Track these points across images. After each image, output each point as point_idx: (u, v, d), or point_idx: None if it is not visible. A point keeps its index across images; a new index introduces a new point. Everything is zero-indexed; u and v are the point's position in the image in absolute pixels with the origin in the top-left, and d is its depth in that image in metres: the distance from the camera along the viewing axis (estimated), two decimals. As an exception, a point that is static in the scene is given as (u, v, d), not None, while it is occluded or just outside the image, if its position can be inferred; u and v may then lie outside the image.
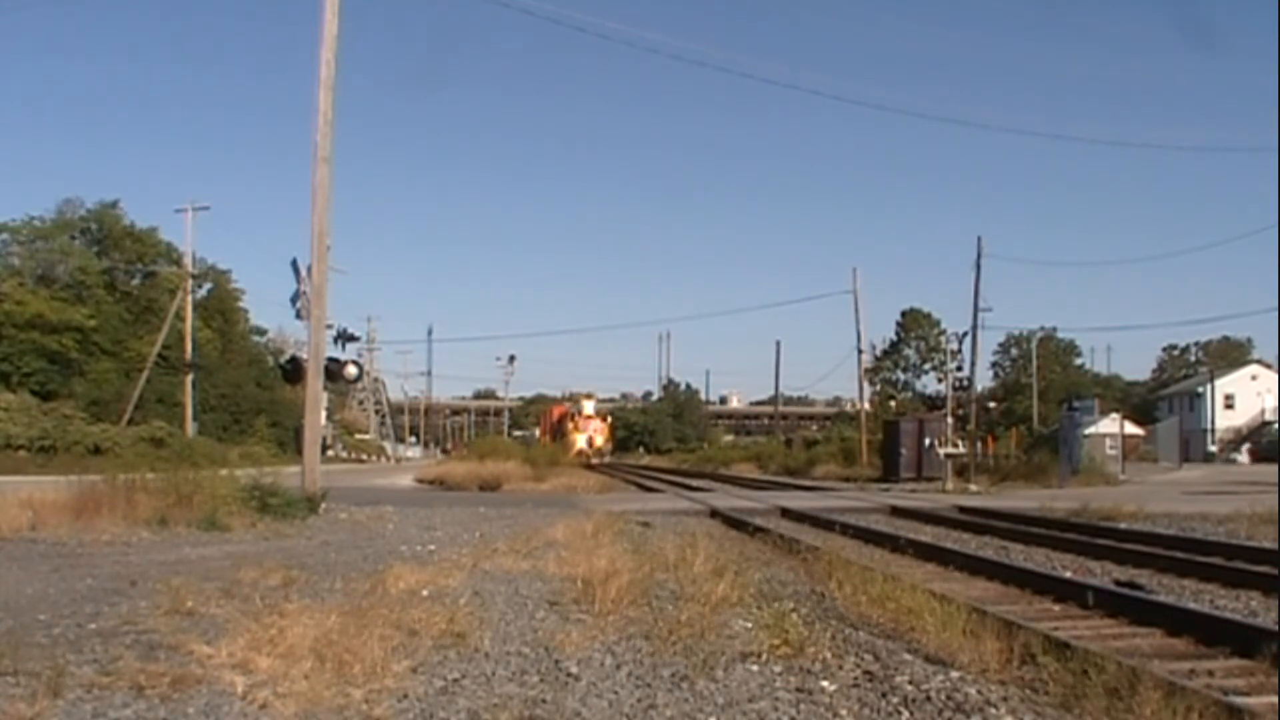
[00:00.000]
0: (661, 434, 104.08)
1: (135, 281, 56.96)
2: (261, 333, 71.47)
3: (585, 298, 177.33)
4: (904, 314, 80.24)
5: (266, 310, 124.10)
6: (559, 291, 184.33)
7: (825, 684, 5.43)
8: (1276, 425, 69.39)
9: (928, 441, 33.59)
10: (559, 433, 67.92)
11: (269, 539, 13.46)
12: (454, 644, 6.25)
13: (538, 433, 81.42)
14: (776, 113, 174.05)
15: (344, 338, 23.09)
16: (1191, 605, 8.17)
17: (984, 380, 69.90)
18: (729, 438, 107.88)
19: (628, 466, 58.76)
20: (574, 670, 5.71)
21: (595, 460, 57.29)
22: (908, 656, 6.07)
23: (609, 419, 70.87)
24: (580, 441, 62.53)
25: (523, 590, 8.54)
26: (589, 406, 67.63)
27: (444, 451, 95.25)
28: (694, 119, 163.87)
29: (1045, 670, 5.38)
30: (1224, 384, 75.51)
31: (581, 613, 7.36)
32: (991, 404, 69.93)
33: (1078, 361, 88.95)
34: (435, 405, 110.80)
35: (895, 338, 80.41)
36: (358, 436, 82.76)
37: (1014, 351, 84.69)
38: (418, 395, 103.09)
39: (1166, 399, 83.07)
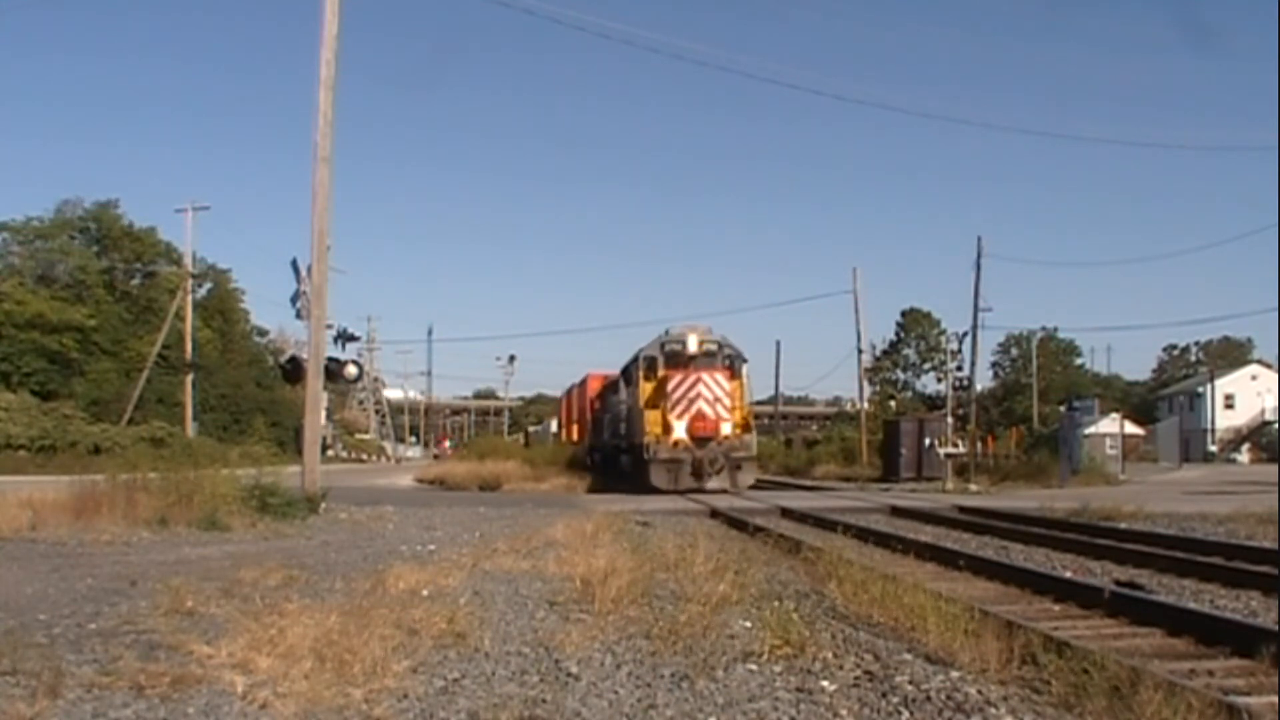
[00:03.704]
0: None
1: (135, 281, 57.03)
2: (262, 333, 71.61)
3: (585, 298, 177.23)
4: (904, 314, 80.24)
5: (266, 310, 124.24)
6: (559, 291, 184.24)
7: (825, 684, 5.43)
8: (1277, 425, 69.43)
9: (928, 441, 33.60)
10: (603, 418, 34.85)
11: (269, 539, 13.47)
12: (454, 644, 6.25)
13: (553, 426, 57.01)
14: (777, 113, 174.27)
15: (344, 338, 23.16)
16: (1191, 605, 8.17)
17: (984, 380, 70.04)
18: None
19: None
20: (574, 670, 5.71)
21: (717, 472, 25.04)
22: (908, 656, 6.07)
23: (743, 376, 27.85)
24: (678, 428, 25.28)
25: (523, 590, 8.54)
26: (693, 341, 26.83)
27: (436, 451, 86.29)
28: (694, 119, 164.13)
29: (1046, 670, 5.39)
30: (1224, 384, 75.61)
31: (581, 612, 7.35)
32: (993, 405, 70.06)
33: (1078, 361, 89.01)
34: (435, 405, 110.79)
35: (895, 338, 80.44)
36: (358, 436, 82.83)
37: (1014, 351, 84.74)
38: (418, 395, 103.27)
39: (1166, 399, 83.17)
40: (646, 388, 26.59)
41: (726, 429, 25.25)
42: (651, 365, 26.87)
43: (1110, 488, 27.91)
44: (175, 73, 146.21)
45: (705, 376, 25.40)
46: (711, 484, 24.54)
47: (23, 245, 53.85)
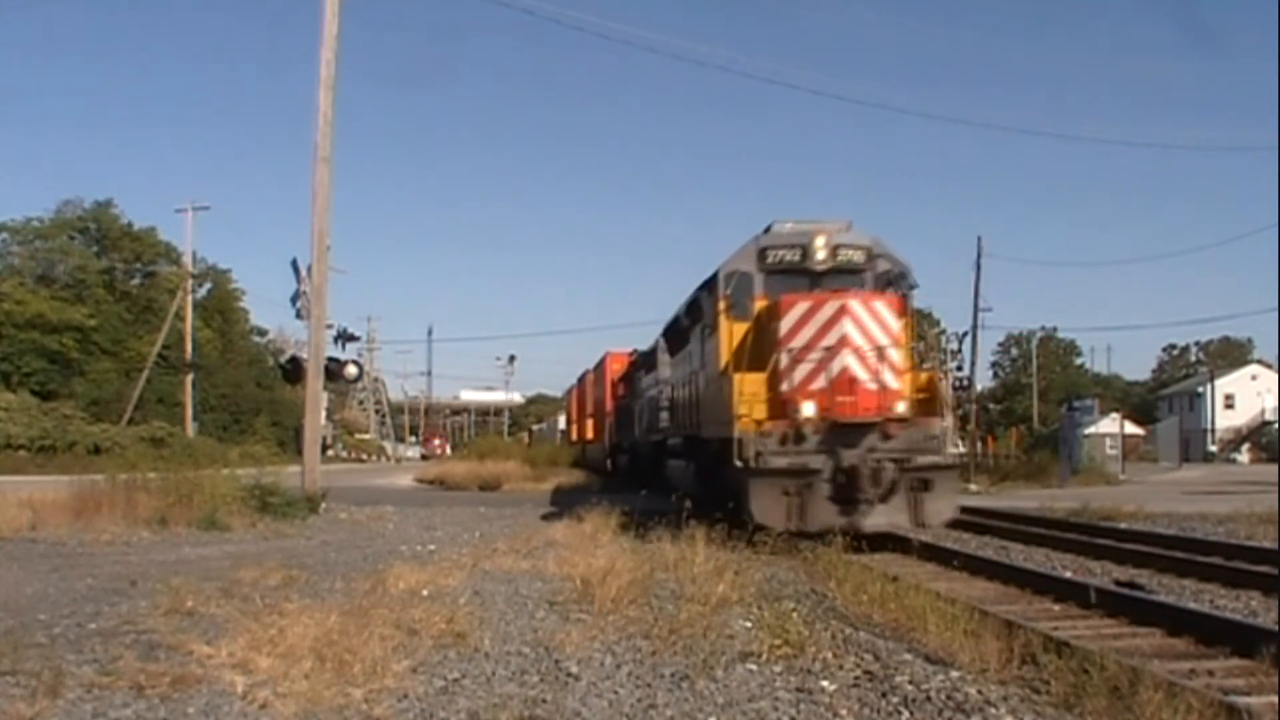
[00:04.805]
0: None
1: (135, 281, 57.01)
2: (262, 333, 71.51)
3: (585, 298, 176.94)
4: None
5: (266, 310, 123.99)
6: (559, 291, 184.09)
7: (825, 684, 5.43)
8: (1277, 425, 69.44)
9: (928, 441, 33.39)
10: (632, 406, 26.43)
11: (269, 539, 13.48)
12: (454, 644, 6.26)
13: (561, 422, 52.31)
14: (776, 112, 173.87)
15: (344, 338, 23.23)
16: (1191, 605, 8.17)
17: (984, 380, 70.00)
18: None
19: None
20: (574, 670, 5.71)
21: (883, 495, 11.60)
22: (908, 656, 6.07)
23: (912, 311, 13.74)
24: (805, 407, 11.87)
25: (522, 590, 8.54)
26: (821, 245, 13.08)
27: (425, 450, 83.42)
28: (694, 119, 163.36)
29: (1045, 670, 5.39)
30: (1224, 384, 75.62)
31: (581, 612, 7.36)
32: (993, 404, 70.07)
33: (1078, 361, 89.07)
34: (435, 405, 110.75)
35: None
36: (358, 436, 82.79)
37: (1014, 351, 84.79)
38: (418, 395, 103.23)
39: (1166, 399, 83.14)
40: (734, 331, 13.46)
41: (901, 407, 12.28)
42: (744, 289, 13.50)
43: (1110, 488, 27.88)
44: (175, 73, 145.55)
45: (855, 305, 12.50)
46: (873, 519, 11.82)
47: (23, 245, 53.85)
